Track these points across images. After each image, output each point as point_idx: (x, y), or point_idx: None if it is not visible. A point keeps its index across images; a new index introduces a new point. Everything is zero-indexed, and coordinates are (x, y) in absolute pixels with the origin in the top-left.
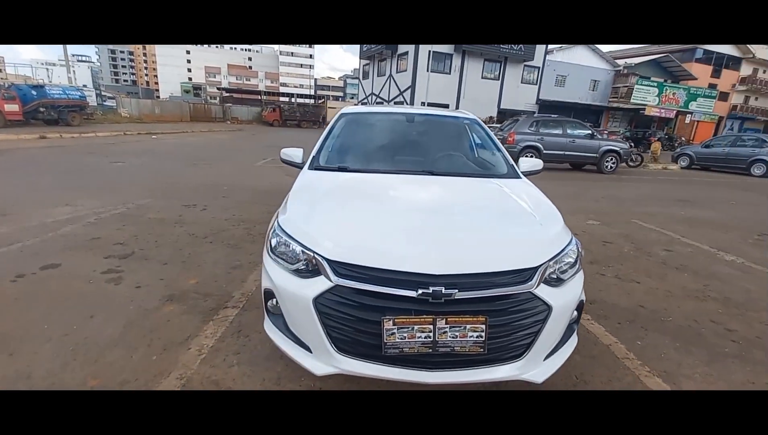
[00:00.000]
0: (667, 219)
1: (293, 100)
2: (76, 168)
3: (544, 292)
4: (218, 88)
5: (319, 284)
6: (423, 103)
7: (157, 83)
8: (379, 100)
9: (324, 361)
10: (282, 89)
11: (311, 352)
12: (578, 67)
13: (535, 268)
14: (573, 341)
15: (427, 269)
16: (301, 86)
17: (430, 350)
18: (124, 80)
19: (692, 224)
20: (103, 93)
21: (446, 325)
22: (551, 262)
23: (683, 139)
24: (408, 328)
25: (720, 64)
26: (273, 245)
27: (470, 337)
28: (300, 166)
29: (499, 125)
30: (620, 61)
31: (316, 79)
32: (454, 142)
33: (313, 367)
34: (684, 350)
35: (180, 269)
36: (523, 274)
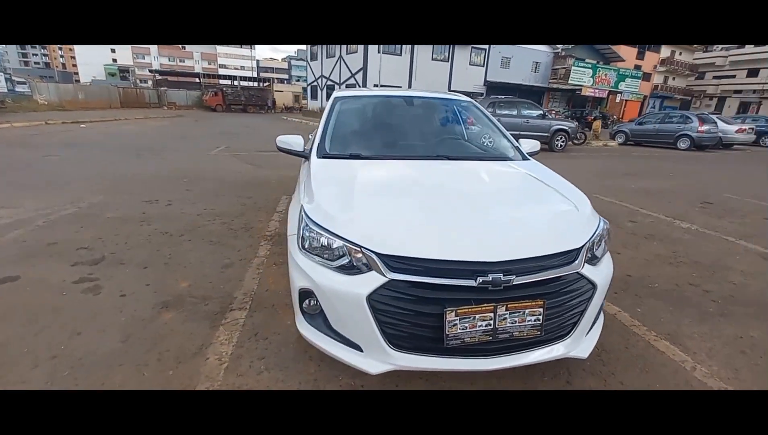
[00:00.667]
0: (622, 192)
1: (237, 83)
2: (3, 164)
3: (587, 271)
4: (150, 71)
5: (372, 280)
6: (375, 86)
7: (75, 66)
8: (330, 82)
9: (378, 359)
10: (221, 71)
11: (362, 351)
12: (521, 50)
13: (580, 249)
14: (602, 316)
15: (484, 257)
16: (242, 68)
17: (491, 338)
18: (35, 63)
19: (645, 195)
20: (12, 78)
21: (506, 312)
22: (590, 242)
23: (615, 117)
24: (470, 317)
25: (644, 46)
26: (306, 241)
27: (528, 321)
28: (301, 155)
29: None
30: (558, 44)
31: (258, 61)
32: (457, 125)
33: (367, 365)
34: (677, 313)
35: (165, 272)
36: (570, 256)
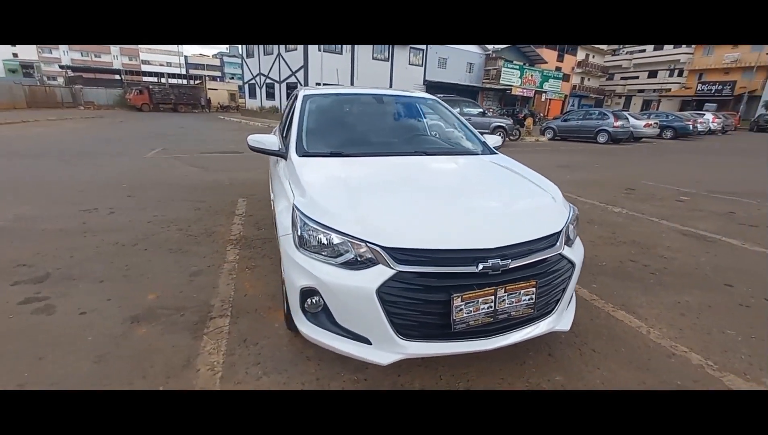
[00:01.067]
0: (561, 182)
1: (165, 80)
2: None
3: (567, 252)
4: (61, 66)
5: (380, 274)
6: (318, 84)
7: None
8: (269, 80)
9: (388, 350)
10: (144, 68)
11: (370, 344)
12: (456, 51)
13: (559, 232)
14: (574, 293)
15: (483, 244)
16: (169, 64)
17: (492, 319)
18: None
19: (579, 185)
20: None
21: (505, 294)
22: (566, 227)
23: (542, 114)
24: (474, 301)
25: (563, 49)
26: (304, 240)
27: (523, 300)
28: (276, 154)
29: None
30: (489, 46)
31: (187, 57)
32: (427, 121)
33: (378, 357)
34: (625, 286)
35: (126, 285)
36: (552, 239)
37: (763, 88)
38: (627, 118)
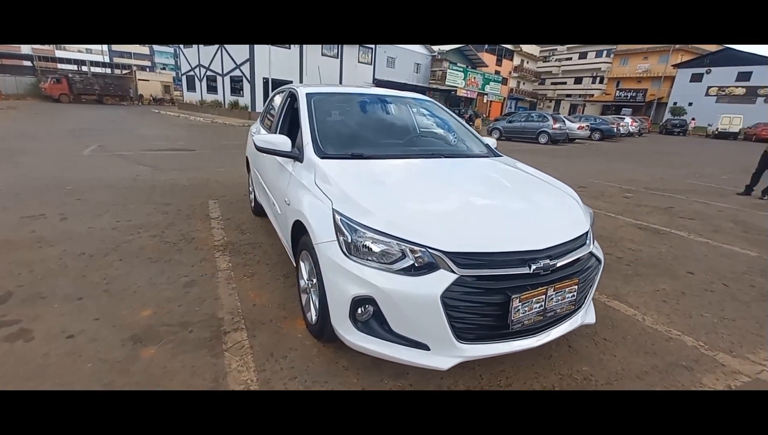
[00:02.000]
0: None
1: (87, 69)
2: None
3: (594, 250)
4: None
5: (442, 279)
6: (266, 79)
7: None
8: (210, 72)
9: (447, 354)
10: (59, 54)
11: (428, 350)
12: (403, 51)
13: (587, 232)
14: None
15: (533, 246)
16: (89, 51)
17: (542, 317)
18: None
19: None
20: None
21: (553, 292)
22: (590, 226)
23: (484, 115)
24: (528, 301)
25: (501, 54)
26: (354, 247)
27: (567, 298)
28: (288, 156)
29: None
30: (435, 48)
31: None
32: (431, 123)
33: (438, 362)
34: (610, 278)
35: (111, 301)
36: (583, 238)
37: (668, 95)
38: (564, 121)
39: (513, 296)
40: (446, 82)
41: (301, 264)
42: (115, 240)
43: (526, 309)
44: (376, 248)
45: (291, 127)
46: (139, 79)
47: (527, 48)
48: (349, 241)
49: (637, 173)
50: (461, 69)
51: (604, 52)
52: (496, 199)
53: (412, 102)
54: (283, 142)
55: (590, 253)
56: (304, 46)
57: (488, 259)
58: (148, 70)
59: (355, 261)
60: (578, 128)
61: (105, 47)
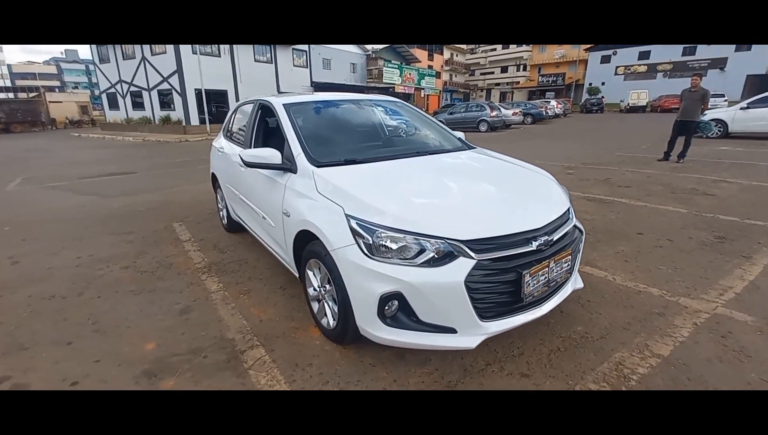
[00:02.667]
0: None
1: None
2: None
3: (576, 223)
4: None
5: (462, 266)
6: (198, 90)
7: None
8: (135, 88)
9: (473, 334)
10: None
11: (456, 332)
12: (338, 51)
13: (569, 208)
14: None
15: (533, 225)
16: None
17: (547, 288)
18: None
19: None
20: None
21: (554, 264)
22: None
23: (423, 109)
24: (536, 275)
25: (432, 49)
26: (375, 247)
27: (564, 268)
28: (279, 168)
29: None
30: (368, 46)
31: (10, 66)
32: (406, 123)
33: (466, 342)
34: None
35: (106, 340)
36: (567, 214)
37: (584, 77)
38: (500, 109)
39: (524, 272)
40: (383, 80)
41: (309, 273)
42: (84, 277)
43: (535, 282)
44: (395, 246)
45: (266, 139)
46: (50, 102)
47: None
48: (370, 242)
49: (572, 151)
50: (396, 66)
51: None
52: (491, 187)
53: (384, 103)
54: (272, 155)
55: (574, 225)
56: (236, 52)
57: (499, 242)
58: (57, 90)
59: (378, 260)
60: (513, 114)
61: (5, 69)
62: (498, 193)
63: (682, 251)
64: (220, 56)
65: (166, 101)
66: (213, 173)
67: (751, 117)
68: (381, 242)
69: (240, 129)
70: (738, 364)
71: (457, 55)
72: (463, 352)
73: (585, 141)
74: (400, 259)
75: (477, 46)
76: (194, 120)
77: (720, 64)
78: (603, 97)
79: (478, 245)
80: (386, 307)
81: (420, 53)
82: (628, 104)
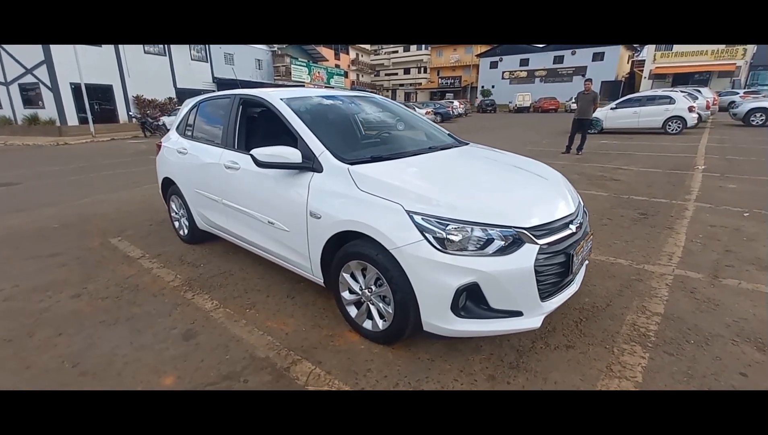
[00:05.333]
0: None
1: None
2: None
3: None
4: None
5: (529, 252)
6: (74, 85)
7: None
8: None
9: (536, 314)
10: None
11: (521, 314)
12: (241, 46)
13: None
14: None
15: (568, 211)
16: None
17: (581, 265)
18: None
19: None
20: None
21: (585, 244)
22: None
23: None
24: (579, 254)
25: (338, 48)
26: (447, 241)
27: (588, 246)
28: (299, 167)
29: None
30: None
31: None
32: (402, 119)
33: (531, 323)
34: None
35: (103, 383)
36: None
37: (477, 81)
38: (414, 109)
39: (572, 253)
40: (292, 78)
41: (345, 276)
42: (23, 313)
43: (578, 261)
44: (466, 237)
45: (250, 137)
46: None
47: None
48: (442, 236)
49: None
50: (304, 63)
51: (423, 45)
52: (523, 178)
53: (373, 101)
54: (292, 153)
55: (584, 209)
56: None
57: (551, 227)
58: None
59: (451, 254)
60: (426, 114)
61: None
62: (533, 182)
63: (622, 227)
64: (100, 46)
65: (30, 97)
66: (166, 178)
67: (618, 116)
68: (452, 235)
69: (212, 127)
70: (714, 312)
71: (362, 56)
72: (509, 335)
73: (495, 137)
74: (473, 250)
75: (380, 47)
76: (72, 119)
77: (582, 71)
78: (493, 98)
79: (538, 231)
80: (459, 300)
81: (327, 52)
82: (516, 105)
